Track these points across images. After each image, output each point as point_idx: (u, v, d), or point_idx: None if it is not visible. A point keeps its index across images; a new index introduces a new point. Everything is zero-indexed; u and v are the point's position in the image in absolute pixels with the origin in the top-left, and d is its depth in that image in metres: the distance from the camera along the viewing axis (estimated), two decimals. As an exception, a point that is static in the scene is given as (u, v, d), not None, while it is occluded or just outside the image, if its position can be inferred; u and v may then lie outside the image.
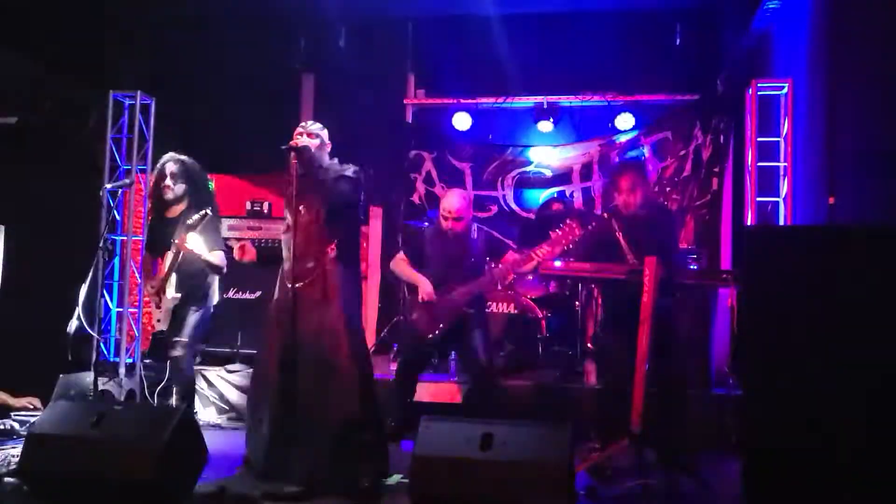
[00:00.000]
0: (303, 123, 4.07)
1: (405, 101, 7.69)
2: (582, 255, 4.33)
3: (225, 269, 4.66)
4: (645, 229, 4.25)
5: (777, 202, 5.65)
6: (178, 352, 4.51)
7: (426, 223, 6.85)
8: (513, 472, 3.23)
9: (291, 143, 3.84)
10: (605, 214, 4.48)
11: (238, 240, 6.26)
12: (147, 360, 5.61)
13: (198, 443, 3.63)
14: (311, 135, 3.99)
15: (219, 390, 5.77)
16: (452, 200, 4.79)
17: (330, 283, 3.85)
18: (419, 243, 4.96)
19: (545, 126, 7.33)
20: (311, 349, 3.77)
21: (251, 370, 4.59)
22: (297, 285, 3.77)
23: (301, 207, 3.88)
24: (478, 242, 4.95)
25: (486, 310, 5.11)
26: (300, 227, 3.87)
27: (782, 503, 2.60)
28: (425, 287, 4.68)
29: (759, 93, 5.67)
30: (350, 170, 3.95)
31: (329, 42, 7.46)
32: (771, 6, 5.56)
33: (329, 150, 4.07)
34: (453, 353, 5.56)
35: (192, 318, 4.53)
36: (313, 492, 3.67)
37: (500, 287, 6.20)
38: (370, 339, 6.80)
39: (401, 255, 4.98)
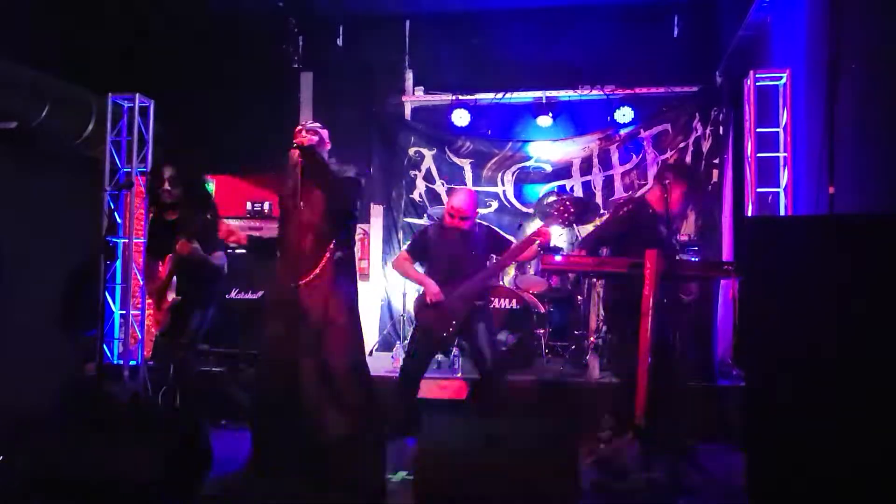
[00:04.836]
0: (303, 122, 4.07)
1: (404, 99, 7.69)
2: (611, 238, 4.39)
3: (225, 271, 4.66)
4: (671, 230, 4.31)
5: (777, 192, 5.64)
6: (180, 353, 4.51)
7: (429, 220, 6.85)
8: (517, 468, 3.24)
9: (297, 141, 3.80)
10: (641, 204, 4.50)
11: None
12: (151, 363, 5.62)
13: (202, 444, 3.64)
14: (312, 131, 3.99)
15: (222, 391, 5.77)
16: (459, 199, 4.73)
17: (331, 282, 3.85)
18: (423, 242, 4.91)
19: (544, 121, 7.33)
20: (312, 347, 3.76)
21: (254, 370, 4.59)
22: (298, 282, 3.77)
23: (304, 206, 3.87)
24: (480, 237, 4.86)
25: (489, 305, 5.10)
26: (303, 226, 3.86)
27: (785, 495, 2.60)
28: (431, 288, 4.68)
29: (757, 83, 5.66)
30: (352, 171, 3.95)
31: (327, 40, 7.47)
32: (768, -4, 5.54)
33: (328, 148, 4.07)
34: (457, 350, 5.57)
35: (194, 319, 4.52)
36: (317, 490, 3.68)
37: (501, 276, 6.23)
38: (371, 338, 6.82)
39: (403, 254, 4.99)
